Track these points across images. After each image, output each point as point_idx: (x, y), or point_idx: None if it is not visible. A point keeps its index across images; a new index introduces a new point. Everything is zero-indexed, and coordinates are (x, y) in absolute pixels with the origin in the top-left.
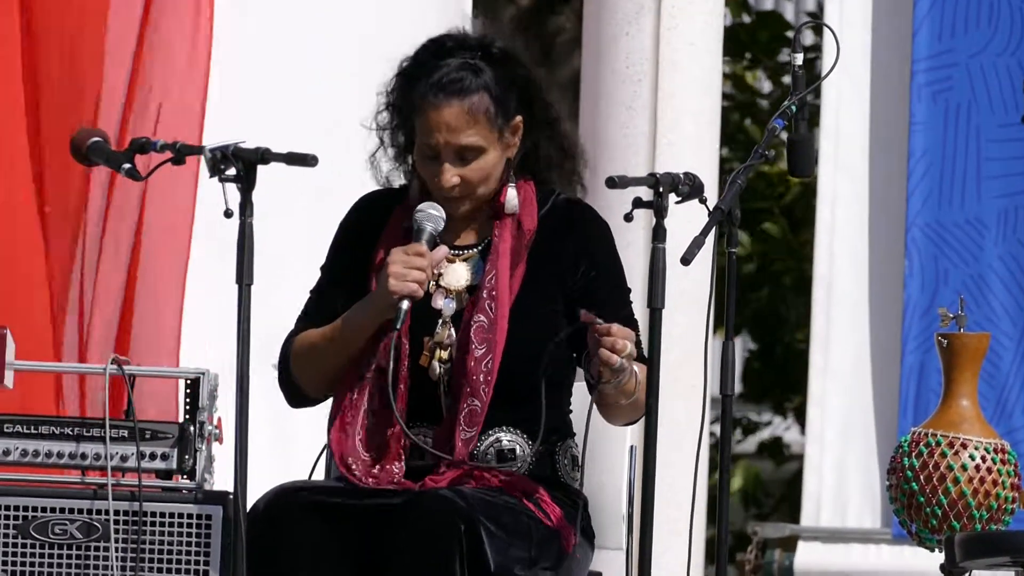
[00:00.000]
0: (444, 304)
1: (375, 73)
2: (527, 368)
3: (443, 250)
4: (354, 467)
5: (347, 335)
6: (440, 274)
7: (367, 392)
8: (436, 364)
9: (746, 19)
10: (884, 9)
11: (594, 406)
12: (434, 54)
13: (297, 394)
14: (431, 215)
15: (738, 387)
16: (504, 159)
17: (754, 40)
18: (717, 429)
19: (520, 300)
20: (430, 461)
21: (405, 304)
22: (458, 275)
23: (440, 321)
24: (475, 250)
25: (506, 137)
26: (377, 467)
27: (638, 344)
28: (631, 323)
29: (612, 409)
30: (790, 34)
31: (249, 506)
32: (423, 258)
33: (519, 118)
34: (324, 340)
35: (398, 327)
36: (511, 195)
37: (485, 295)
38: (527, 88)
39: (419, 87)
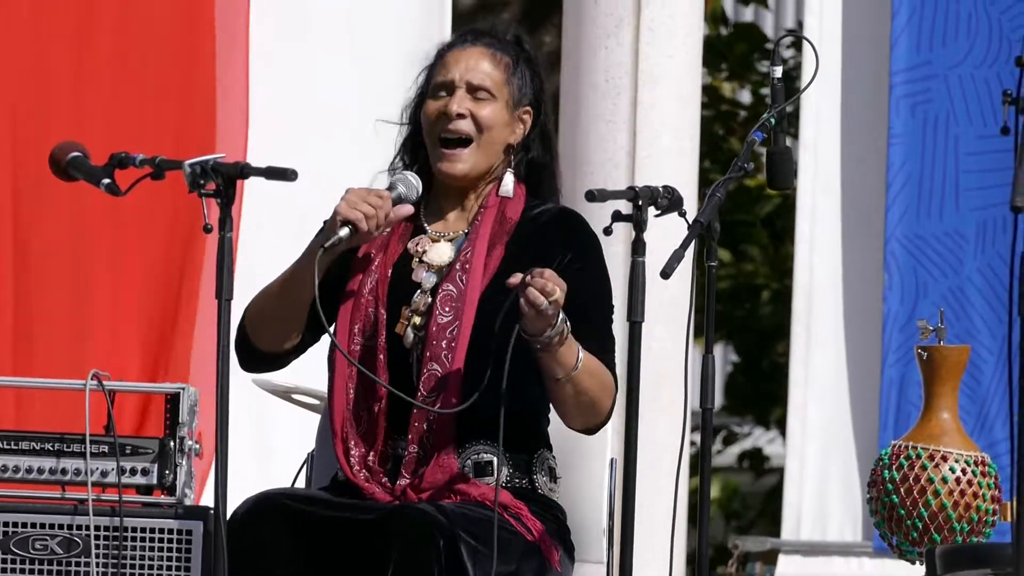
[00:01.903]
0: (425, 277)
1: (353, 90)
2: (498, 344)
3: (407, 208)
4: (352, 448)
5: (295, 271)
6: (424, 251)
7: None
8: (410, 331)
9: (724, 31)
10: (862, 22)
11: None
12: (462, 35)
13: (252, 353)
14: (407, 179)
15: (719, 399)
16: (506, 136)
17: (732, 52)
18: (697, 441)
19: (497, 279)
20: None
21: (344, 231)
22: (441, 252)
23: (419, 290)
24: (461, 232)
25: (516, 112)
26: (371, 455)
27: (608, 353)
28: (606, 332)
29: (554, 392)
30: (769, 46)
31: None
32: (381, 199)
33: (529, 110)
34: (276, 283)
35: (325, 246)
36: (508, 179)
37: (458, 267)
38: (541, 93)
39: (445, 48)
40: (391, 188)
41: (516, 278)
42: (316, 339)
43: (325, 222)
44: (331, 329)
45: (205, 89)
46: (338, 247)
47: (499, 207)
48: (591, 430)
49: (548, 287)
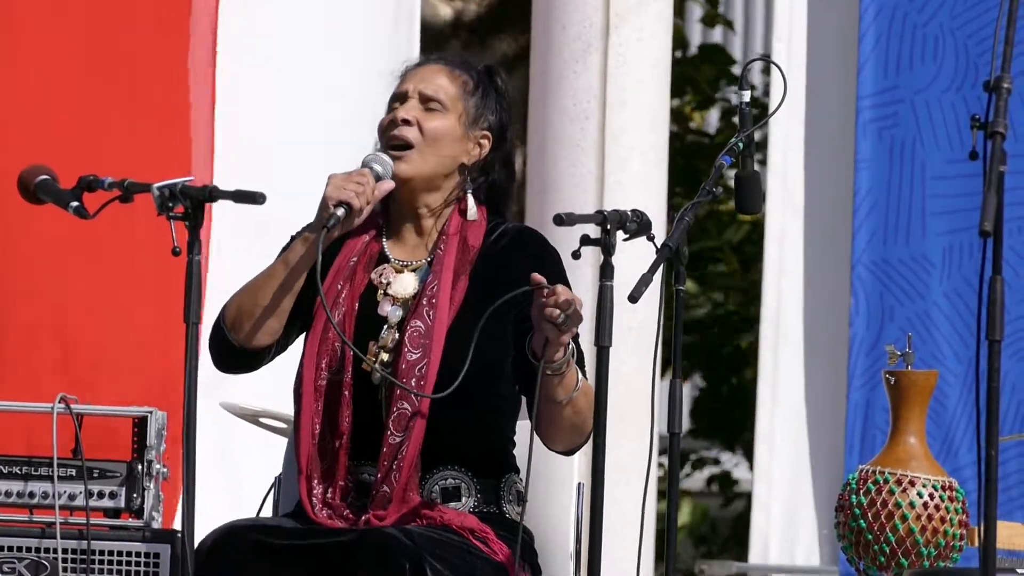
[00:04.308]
0: (390, 311)
1: (335, 111)
2: (466, 375)
3: (388, 183)
4: (315, 486)
5: (287, 259)
6: (388, 283)
7: (323, 401)
8: (377, 368)
9: (679, 54)
10: (829, 46)
11: (536, 437)
12: (427, 55)
13: (229, 350)
14: (380, 158)
15: (687, 424)
16: (457, 152)
17: (701, 75)
18: (665, 465)
19: (463, 312)
20: (371, 478)
21: (340, 211)
22: (405, 284)
23: (385, 326)
24: (423, 261)
25: (471, 132)
26: (331, 491)
27: (583, 368)
28: (577, 349)
29: (553, 414)
30: (736, 70)
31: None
32: (364, 177)
33: (488, 135)
34: (261, 276)
35: (327, 226)
36: (471, 202)
37: (425, 302)
38: (506, 126)
39: (408, 67)
40: (367, 168)
41: (539, 278)
42: (290, 341)
43: (293, 236)
44: (327, 306)
45: (179, 106)
46: (336, 228)
47: (461, 234)
48: (573, 451)
49: (562, 300)
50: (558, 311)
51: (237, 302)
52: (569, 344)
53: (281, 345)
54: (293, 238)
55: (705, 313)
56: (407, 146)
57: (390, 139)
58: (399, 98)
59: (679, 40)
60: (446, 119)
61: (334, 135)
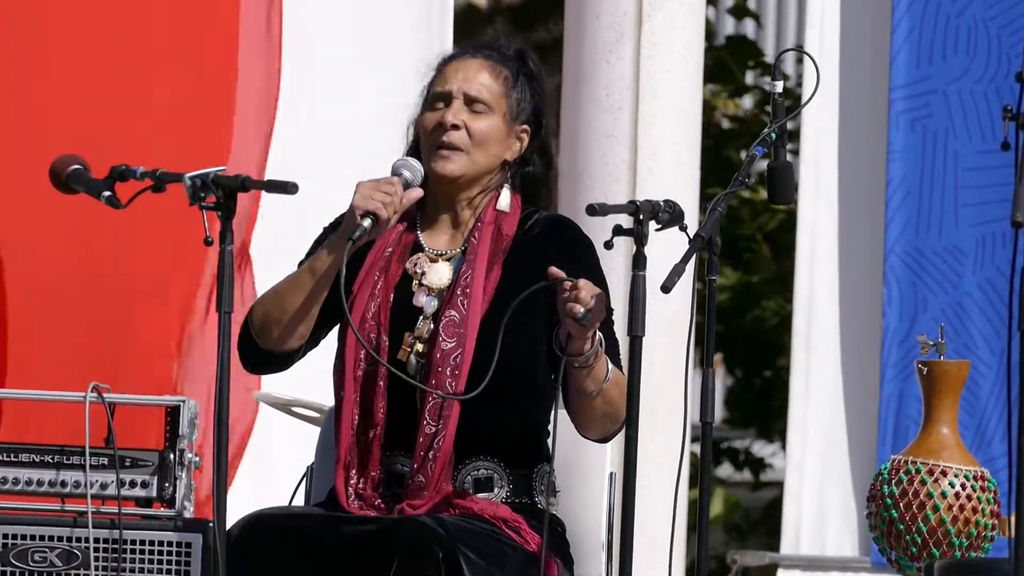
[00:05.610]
0: (425, 301)
1: (361, 97)
2: (499, 367)
3: (417, 191)
4: (352, 478)
5: (313, 267)
6: (423, 272)
7: (359, 393)
8: (413, 358)
9: (713, 43)
10: (862, 37)
11: (567, 416)
12: (464, 47)
13: (257, 354)
14: (409, 164)
15: (720, 413)
16: (502, 151)
17: (736, 64)
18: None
19: (496, 302)
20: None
21: (367, 222)
22: (440, 274)
23: (420, 316)
24: (458, 250)
25: (513, 128)
26: (363, 481)
27: (618, 357)
28: (612, 339)
29: (584, 404)
30: (763, 60)
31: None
32: (392, 186)
33: (527, 127)
34: (287, 281)
35: (353, 238)
36: (505, 193)
37: (459, 292)
38: (541, 110)
39: (445, 59)
40: (397, 174)
41: (556, 272)
42: (320, 339)
43: (325, 228)
44: (350, 316)
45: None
46: (363, 238)
47: (495, 224)
48: (607, 439)
49: (583, 295)
50: (580, 307)
51: (264, 308)
52: (596, 335)
53: (311, 344)
54: (325, 229)
55: (736, 301)
56: (455, 148)
57: (439, 144)
58: (443, 99)
59: (710, 30)
60: (492, 119)
61: (363, 129)
